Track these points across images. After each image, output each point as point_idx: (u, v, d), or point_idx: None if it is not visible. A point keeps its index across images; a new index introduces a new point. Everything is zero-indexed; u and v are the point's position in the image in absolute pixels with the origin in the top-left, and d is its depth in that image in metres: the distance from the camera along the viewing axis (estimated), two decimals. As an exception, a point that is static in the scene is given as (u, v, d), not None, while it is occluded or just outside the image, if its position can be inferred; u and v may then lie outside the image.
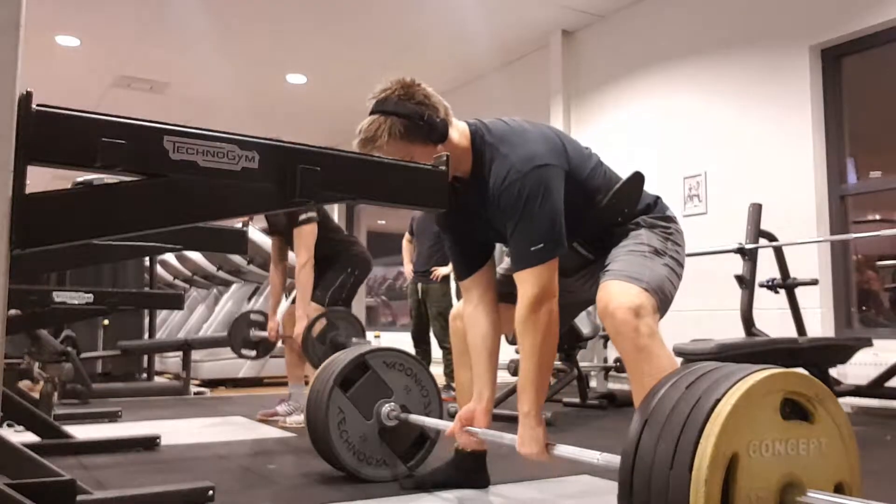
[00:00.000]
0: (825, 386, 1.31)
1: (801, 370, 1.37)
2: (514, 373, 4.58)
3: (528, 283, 1.88)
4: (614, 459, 1.56)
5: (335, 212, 10.37)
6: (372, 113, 1.94)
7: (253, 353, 4.52)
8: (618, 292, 1.79)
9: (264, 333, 4.26)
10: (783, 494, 1.22)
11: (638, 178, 2.02)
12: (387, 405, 2.45)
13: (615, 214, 2.02)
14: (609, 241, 2.00)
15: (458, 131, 2.01)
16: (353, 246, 4.11)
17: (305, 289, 3.74)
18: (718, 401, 1.20)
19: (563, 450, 1.86)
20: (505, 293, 2.17)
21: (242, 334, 4.43)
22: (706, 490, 1.15)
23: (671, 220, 2.08)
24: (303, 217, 3.75)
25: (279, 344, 4.31)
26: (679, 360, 3.52)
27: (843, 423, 1.32)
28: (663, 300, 1.85)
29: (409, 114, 1.91)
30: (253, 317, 4.50)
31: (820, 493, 1.24)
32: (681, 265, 2.00)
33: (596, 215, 2.01)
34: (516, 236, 1.90)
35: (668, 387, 1.31)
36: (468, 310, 2.15)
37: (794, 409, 1.29)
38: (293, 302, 3.96)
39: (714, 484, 1.16)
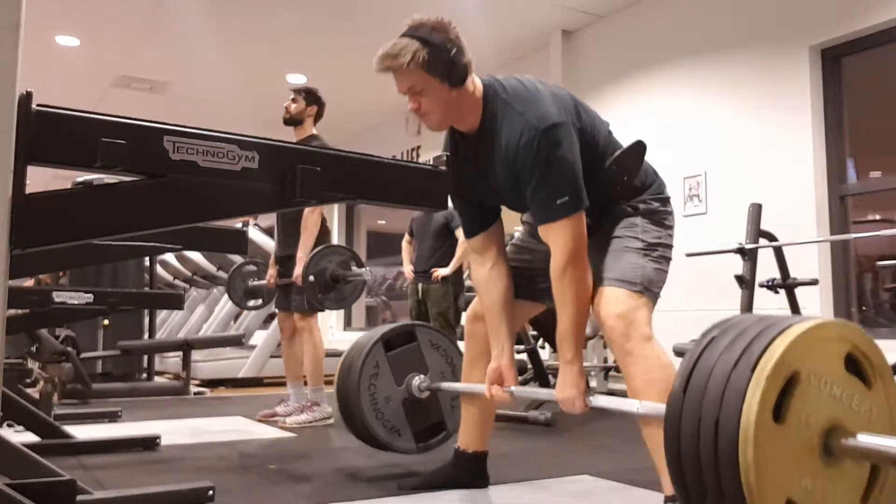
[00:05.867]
0: (888, 362, 1.32)
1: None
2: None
3: (559, 236, 1.89)
4: (656, 406, 1.60)
5: (335, 211, 10.37)
6: (402, 36, 1.94)
7: (258, 301, 4.50)
8: (610, 299, 1.88)
9: (262, 282, 4.25)
10: (829, 433, 1.22)
11: (640, 147, 2.05)
12: (418, 378, 2.46)
13: (615, 181, 2.03)
14: (608, 218, 2.02)
15: (475, 85, 2.01)
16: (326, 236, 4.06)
17: (311, 232, 3.76)
18: (792, 325, 1.21)
19: (601, 400, 1.86)
20: (519, 286, 2.17)
21: (242, 286, 4.42)
22: (765, 388, 1.14)
23: (667, 202, 2.11)
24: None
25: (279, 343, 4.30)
26: (678, 360, 3.52)
27: (895, 404, 1.32)
28: (654, 294, 1.94)
29: (437, 44, 1.91)
30: (246, 268, 4.49)
31: (869, 435, 1.23)
32: (670, 248, 2.05)
33: (599, 180, 2.02)
34: (540, 192, 1.90)
35: (738, 318, 1.32)
36: (483, 272, 2.15)
37: (855, 370, 1.29)
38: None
39: (774, 385, 1.16)
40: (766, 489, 1.14)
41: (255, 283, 4.37)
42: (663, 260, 2.00)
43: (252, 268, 4.49)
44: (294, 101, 3.95)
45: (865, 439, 1.20)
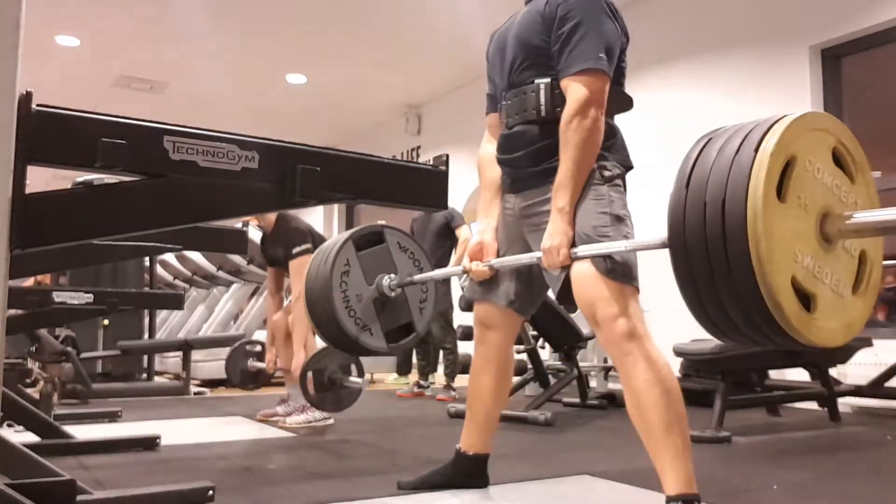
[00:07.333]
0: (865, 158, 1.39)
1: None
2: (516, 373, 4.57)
3: (581, 86, 1.90)
4: (649, 238, 1.56)
5: (335, 211, 10.37)
6: None
7: (252, 384, 4.54)
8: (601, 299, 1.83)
9: (262, 364, 4.27)
10: (824, 219, 1.27)
11: (627, 99, 2.07)
12: (388, 277, 2.46)
13: None
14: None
15: None
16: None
17: (302, 322, 3.73)
18: (785, 115, 1.27)
19: (585, 249, 1.81)
20: (524, 305, 2.18)
21: (240, 366, 4.44)
22: (769, 165, 1.18)
23: (624, 175, 2.07)
24: (297, 250, 3.80)
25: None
26: (677, 361, 3.53)
27: (875, 200, 1.39)
28: (637, 279, 1.87)
29: None
30: (249, 347, 4.52)
31: (862, 212, 1.30)
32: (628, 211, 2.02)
33: None
34: (583, 39, 1.92)
35: (726, 126, 1.36)
36: (488, 150, 2.24)
37: (840, 165, 1.36)
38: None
39: (777, 163, 1.20)
40: (773, 262, 1.18)
41: (255, 363, 4.41)
42: (630, 234, 1.97)
43: (255, 348, 4.51)
44: None
45: (861, 216, 1.28)
